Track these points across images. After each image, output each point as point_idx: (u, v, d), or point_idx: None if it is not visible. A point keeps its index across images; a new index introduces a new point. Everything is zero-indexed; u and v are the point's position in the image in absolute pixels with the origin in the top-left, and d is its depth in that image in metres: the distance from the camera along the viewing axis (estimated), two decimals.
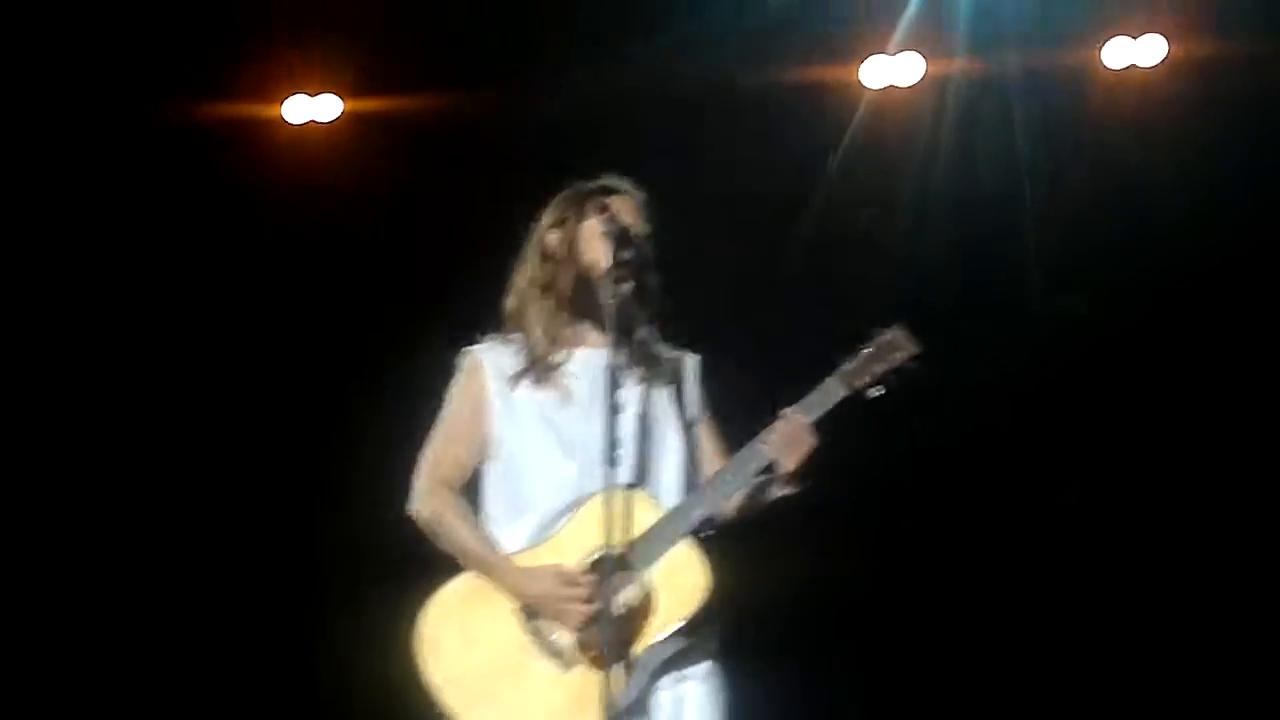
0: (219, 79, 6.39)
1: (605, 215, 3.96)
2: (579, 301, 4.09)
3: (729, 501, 4.06)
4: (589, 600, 3.87)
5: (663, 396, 4.12)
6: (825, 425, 3.93)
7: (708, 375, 4.22)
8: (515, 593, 3.96)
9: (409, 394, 4.34)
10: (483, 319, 4.20)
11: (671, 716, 3.97)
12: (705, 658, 4.02)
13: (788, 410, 3.93)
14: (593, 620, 3.87)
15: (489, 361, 4.14)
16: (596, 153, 4.36)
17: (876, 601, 6.34)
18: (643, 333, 4.11)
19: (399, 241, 6.44)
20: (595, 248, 4.02)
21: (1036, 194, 6.16)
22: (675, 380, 4.16)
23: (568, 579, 3.90)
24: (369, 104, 6.57)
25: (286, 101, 6.55)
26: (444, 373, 4.19)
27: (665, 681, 3.96)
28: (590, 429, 3.87)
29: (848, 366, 3.95)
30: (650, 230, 4.12)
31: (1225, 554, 6.26)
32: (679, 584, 3.87)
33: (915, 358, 3.93)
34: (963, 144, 6.18)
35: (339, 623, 4.83)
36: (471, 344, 4.18)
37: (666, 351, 4.18)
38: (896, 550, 6.40)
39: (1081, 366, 6.36)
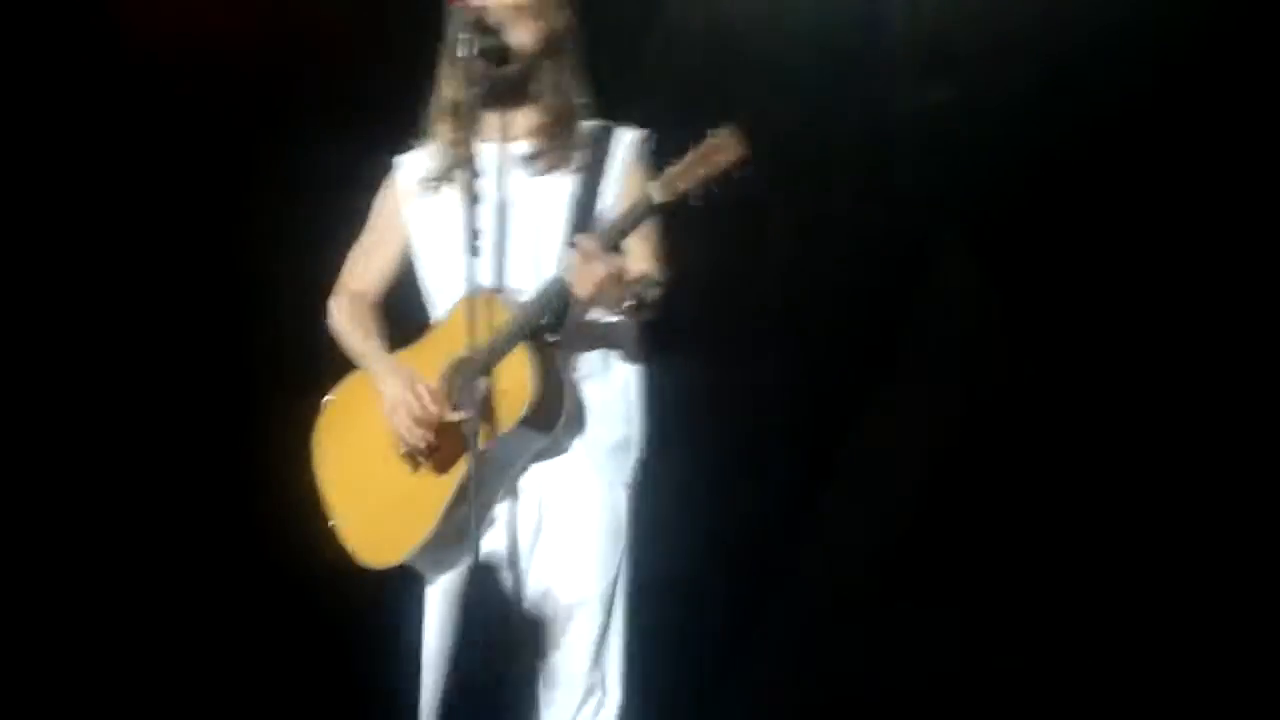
0: None
1: (458, 3, 3.80)
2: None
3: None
4: (429, 404, 3.92)
5: (564, 185, 3.97)
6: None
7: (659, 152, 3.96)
8: (380, 392, 4.03)
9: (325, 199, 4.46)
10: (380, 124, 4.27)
11: (527, 518, 3.97)
12: (556, 456, 3.98)
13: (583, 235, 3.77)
14: (428, 423, 3.92)
15: (405, 169, 4.19)
16: None
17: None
18: (551, 113, 3.98)
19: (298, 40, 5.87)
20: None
21: None
22: (594, 165, 3.98)
23: (415, 381, 3.95)
24: None
25: None
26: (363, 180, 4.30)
27: (517, 482, 3.94)
28: (487, 226, 3.83)
29: (669, 171, 3.67)
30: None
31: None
32: (509, 389, 3.82)
33: (744, 162, 3.61)
34: None
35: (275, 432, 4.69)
36: (404, 151, 4.21)
37: (592, 132, 4.02)
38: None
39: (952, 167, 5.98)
